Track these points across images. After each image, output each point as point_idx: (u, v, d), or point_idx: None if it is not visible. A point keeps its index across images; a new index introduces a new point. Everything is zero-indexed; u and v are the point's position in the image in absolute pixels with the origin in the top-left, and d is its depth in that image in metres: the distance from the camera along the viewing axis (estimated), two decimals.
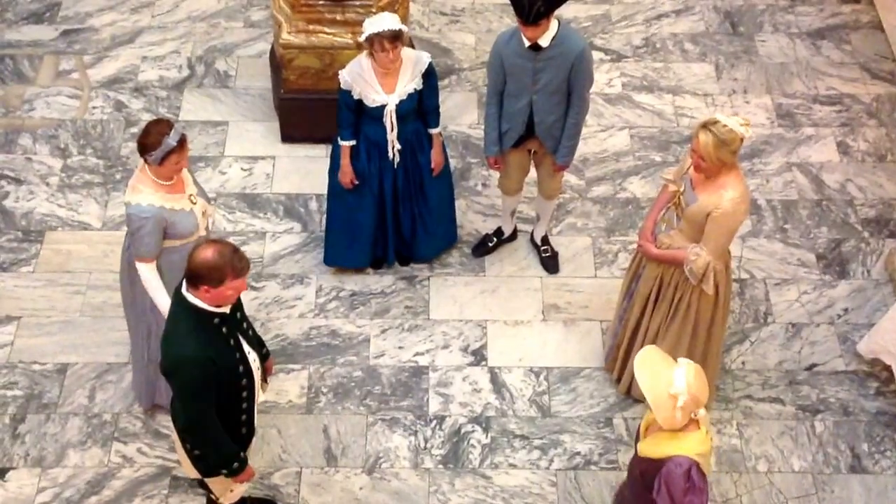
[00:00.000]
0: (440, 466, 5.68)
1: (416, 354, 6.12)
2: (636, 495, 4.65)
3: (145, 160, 4.95)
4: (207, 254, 4.23)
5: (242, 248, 6.47)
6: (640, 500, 4.58)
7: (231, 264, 4.24)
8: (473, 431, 5.82)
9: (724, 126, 4.83)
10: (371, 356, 6.10)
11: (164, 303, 5.07)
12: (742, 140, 4.87)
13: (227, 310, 4.43)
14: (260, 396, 4.77)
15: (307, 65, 6.77)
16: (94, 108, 7.31)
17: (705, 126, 4.86)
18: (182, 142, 4.91)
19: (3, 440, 5.72)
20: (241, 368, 4.51)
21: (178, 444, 4.74)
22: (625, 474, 5.12)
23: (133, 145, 6.70)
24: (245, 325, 4.66)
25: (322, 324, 6.24)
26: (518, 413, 5.89)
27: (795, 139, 7.28)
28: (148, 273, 5.10)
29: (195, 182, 5.24)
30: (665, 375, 4.24)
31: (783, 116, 7.42)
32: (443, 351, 6.14)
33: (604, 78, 7.58)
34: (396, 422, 5.84)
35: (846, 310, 6.38)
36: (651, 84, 7.59)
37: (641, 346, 5.00)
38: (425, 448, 5.74)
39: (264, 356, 4.87)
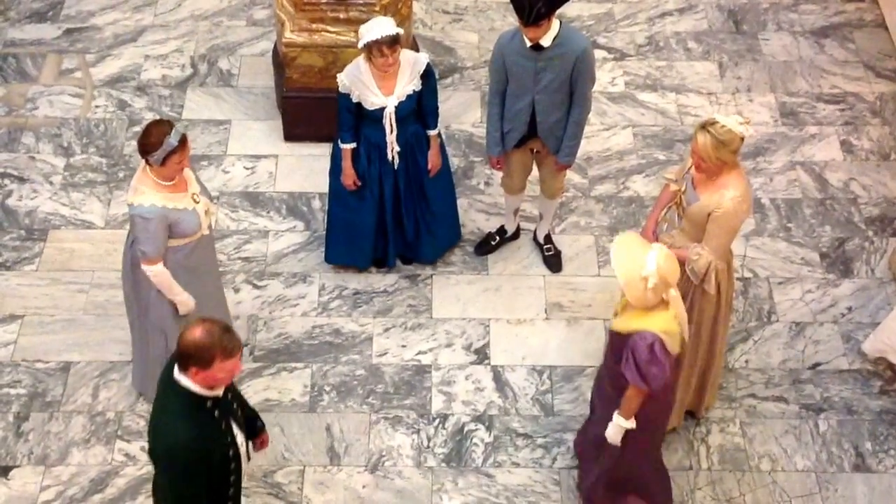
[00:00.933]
0: (443, 465, 5.68)
1: (419, 353, 6.12)
2: (609, 369, 4.92)
3: (147, 161, 4.95)
4: (196, 333, 3.97)
5: (245, 247, 6.55)
6: (612, 373, 4.84)
7: (220, 345, 3.97)
8: (476, 430, 5.81)
9: (723, 127, 4.83)
10: (374, 355, 6.10)
11: (181, 296, 5.15)
12: (742, 139, 4.86)
13: (220, 392, 4.17)
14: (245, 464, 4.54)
15: (310, 63, 6.77)
16: (96, 106, 7.32)
17: (704, 127, 4.86)
18: (183, 141, 4.90)
19: (6, 438, 5.72)
20: (230, 453, 4.31)
21: None
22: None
23: (136, 144, 6.72)
24: (235, 405, 4.44)
25: (325, 322, 6.24)
26: (521, 411, 5.89)
27: (799, 138, 7.27)
28: (159, 274, 5.07)
29: (198, 180, 5.24)
30: (638, 258, 4.49)
31: (787, 115, 7.40)
32: (446, 349, 6.14)
33: (607, 76, 7.57)
34: (399, 420, 5.84)
35: (850, 308, 6.37)
36: (654, 83, 7.58)
37: None
38: (428, 446, 5.74)
39: (260, 428, 4.74)
